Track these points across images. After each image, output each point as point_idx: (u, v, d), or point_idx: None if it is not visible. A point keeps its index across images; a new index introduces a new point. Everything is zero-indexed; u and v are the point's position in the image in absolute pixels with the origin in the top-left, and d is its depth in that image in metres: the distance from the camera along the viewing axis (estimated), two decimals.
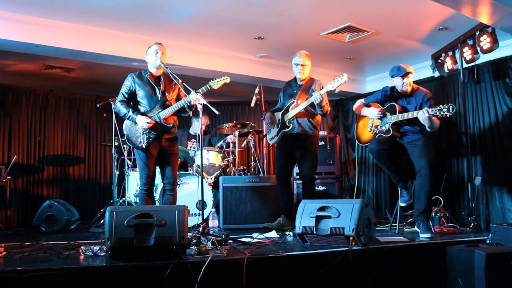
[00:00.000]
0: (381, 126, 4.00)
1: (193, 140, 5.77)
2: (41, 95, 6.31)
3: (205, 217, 4.76)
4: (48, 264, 2.38)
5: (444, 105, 3.56)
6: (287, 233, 3.68)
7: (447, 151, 5.54)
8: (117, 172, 5.25)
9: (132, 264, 2.39)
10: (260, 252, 2.74)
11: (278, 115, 4.38)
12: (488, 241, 3.33)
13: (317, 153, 4.34)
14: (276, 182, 4.52)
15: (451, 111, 3.52)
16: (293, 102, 4.23)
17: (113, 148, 5.03)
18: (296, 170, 5.62)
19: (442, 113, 3.56)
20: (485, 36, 4.22)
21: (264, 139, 5.42)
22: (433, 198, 4.05)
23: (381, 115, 3.98)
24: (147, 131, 3.72)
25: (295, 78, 4.38)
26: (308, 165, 4.23)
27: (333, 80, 3.95)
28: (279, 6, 4.34)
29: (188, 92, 3.71)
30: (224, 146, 5.71)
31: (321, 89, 4.24)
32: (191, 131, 6.10)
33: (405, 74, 3.88)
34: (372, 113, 4.08)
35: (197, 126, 5.90)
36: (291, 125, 4.20)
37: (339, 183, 6.07)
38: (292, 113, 4.20)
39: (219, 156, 5.40)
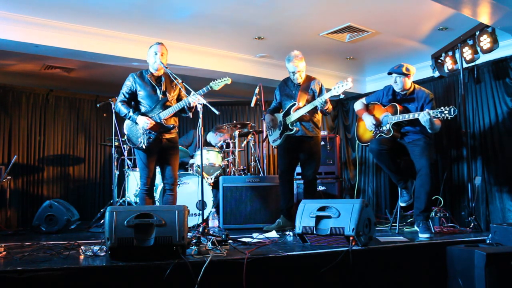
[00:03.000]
0: (381, 126, 3.99)
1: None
2: (41, 95, 6.31)
3: (205, 217, 4.76)
4: (48, 264, 2.38)
5: (446, 107, 3.55)
6: (287, 233, 3.68)
7: (447, 151, 5.54)
8: (117, 172, 5.25)
9: (132, 264, 2.39)
10: (260, 252, 2.74)
11: (279, 116, 4.35)
12: (488, 241, 3.34)
13: (320, 153, 4.34)
14: (276, 182, 4.52)
15: (452, 114, 3.51)
16: (294, 104, 4.20)
17: (113, 148, 5.03)
18: (297, 169, 5.61)
19: (443, 115, 3.55)
20: (485, 36, 4.22)
21: (263, 138, 5.40)
22: (433, 198, 4.05)
23: (374, 129, 3.99)
24: (147, 132, 3.73)
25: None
26: (312, 166, 4.23)
27: (337, 84, 3.92)
28: (279, 6, 4.34)
29: (189, 93, 3.71)
30: (224, 146, 5.71)
31: (320, 88, 4.23)
32: (208, 139, 5.98)
33: (397, 72, 3.87)
34: (368, 123, 4.07)
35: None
36: (295, 128, 4.17)
37: (339, 183, 6.07)
38: (294, 116, 4.17)
39: (219, 156, 5.40)
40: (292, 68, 4.20)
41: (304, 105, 4.14)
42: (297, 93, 4.23)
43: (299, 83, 4.26)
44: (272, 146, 4.57)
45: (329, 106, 4.09)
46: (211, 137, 5.94)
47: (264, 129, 5.06)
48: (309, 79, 4.28)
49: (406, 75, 3.87)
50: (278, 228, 4.13)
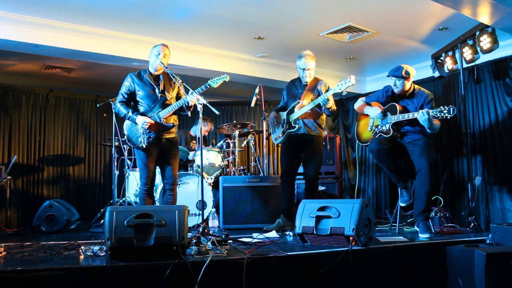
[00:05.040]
0: (381, 126, 3.99)
1: (194, 141, 5.78)
2: (41, 95, 6.31)
3: (205, 217, 4.76)
4: (48, 264, 2.38)
5: (445, 107, 3.55)
6: (287, 233, 3.68)
7: (447, 151, 5.54)
8: (117, 172, 5.25)
9: (132, 264, 2.39)
10: (260, 252, 2.74)
11: (283, 114, 4.37)
12: (488, 241, 3.34)
13: (322, 153, 4.35)
14: (276, 182, 4.52)
15: (451, 113, 3.51)
16: (298, 102, 4.22)
17: (113, 148, 5.03)
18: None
19: (442, 114, 3.55)
20: (485, 36, 4.22)
21: (263, 139, 5.40)
22: (433, 198, 4.05)
23: (382, 116, 3.98)
24: (147, 131, 3.72)
25: (299, 77, 4.37)
26: (314, 165, 4.23)
27: (340, 82, 3.93)
28: (279, 6, 4.34)
29: (188, 92, 3.71)
30: (224, 146, 5.72)
31: (327, 90, 4.24)
32: (193, 132, 6.10)
33: (396, 76, 3.86)
34: (373, 112, 4.07)
35: (198, 127, 5.91)
36: (297, 126, 4.18)
37: (339, 183, 6.07)
38: (297, 113, 4.19)
39: (219, 156, 5.40)
40: (303, 64, 4.23)
41: (308, 104, 4.15)
42: (303, 92, 4.26)
43: (307, 82, 4.28)
44: (274, 144, 4.58)
45: (332, 106, 4.09)
46: (195, 130, 5.99)
47: (265, 128, 5.06)
48: (316, 80, 4.32)
49: (405, 78, 3.86)
50: (278, 228, 4.13)
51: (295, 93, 4.32)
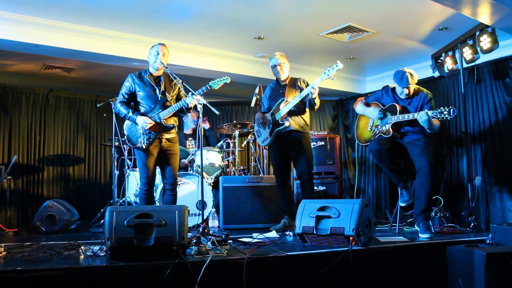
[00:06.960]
0: (381, 126, 3.99)
1: (190, 138, 5.76)
2: (41, 95, 6.31)
3: (205, 217, 4.76)
4: (48, 264, 2.38)
5: (445, 108, 3.55)
6: (287, 233, 3.68)
7: (447, 151, 5.54)
8: (117, 172, 5.25)
9: (132, 264, 2.39)
10: (260, 252, 2.74)
11: (268, 115, 4.37)
12: (488, 241, 3.33)
13: (311, 151, 4.35)
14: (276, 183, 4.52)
15: (452, 115, 3.51)
16: (283, 100, 4.22)
17: (113, 148, 5.03)
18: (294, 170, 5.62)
19: (443, 115, 3.55)
20: (485, 36, 4.22)
21: None
22: (433, 198, 4.05)
23: (382, 116, 3.98)
24: (147, 132, 3.73)
25: (276, 80, 4.40)
26: (305, 162, 4.21)
27: (327, 69, 3.92)
28: (279, 6, 4.34)
29: (188, 92, 3.71)
30: (224, 146, 5.72)
31: (306, 85, 4.25)
32: (185, 131, 6.08)
33: (406, 87, 3.85)
34: (372, 113, 4.07)
35: (189, 124, 5.89)
36: (286, 123, 4.17)
37: (339, 183, 6.07)
38: (284, 110, 4.17)
39: (219, 156, 5.40)
40: (274, 61, 4.30)
41: (295, 97, 4.15)
42: (285, 90, 4.28)
43: (284, 80, 4.32)
44: (262, 146, 4.58)
45: (317, 97, 4.08)
46: (186, 128, 5.97)
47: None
48: (293, 79, 4.35)
49: (415, 83, 3.88)
50: (285, 228, 4.11)
51: (277, 94, 4.33)
